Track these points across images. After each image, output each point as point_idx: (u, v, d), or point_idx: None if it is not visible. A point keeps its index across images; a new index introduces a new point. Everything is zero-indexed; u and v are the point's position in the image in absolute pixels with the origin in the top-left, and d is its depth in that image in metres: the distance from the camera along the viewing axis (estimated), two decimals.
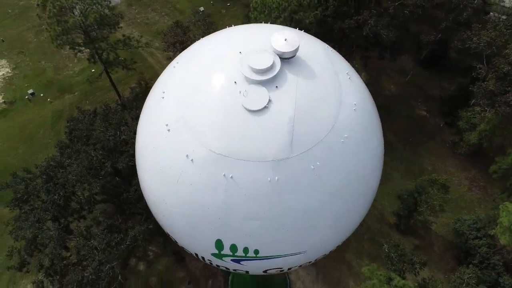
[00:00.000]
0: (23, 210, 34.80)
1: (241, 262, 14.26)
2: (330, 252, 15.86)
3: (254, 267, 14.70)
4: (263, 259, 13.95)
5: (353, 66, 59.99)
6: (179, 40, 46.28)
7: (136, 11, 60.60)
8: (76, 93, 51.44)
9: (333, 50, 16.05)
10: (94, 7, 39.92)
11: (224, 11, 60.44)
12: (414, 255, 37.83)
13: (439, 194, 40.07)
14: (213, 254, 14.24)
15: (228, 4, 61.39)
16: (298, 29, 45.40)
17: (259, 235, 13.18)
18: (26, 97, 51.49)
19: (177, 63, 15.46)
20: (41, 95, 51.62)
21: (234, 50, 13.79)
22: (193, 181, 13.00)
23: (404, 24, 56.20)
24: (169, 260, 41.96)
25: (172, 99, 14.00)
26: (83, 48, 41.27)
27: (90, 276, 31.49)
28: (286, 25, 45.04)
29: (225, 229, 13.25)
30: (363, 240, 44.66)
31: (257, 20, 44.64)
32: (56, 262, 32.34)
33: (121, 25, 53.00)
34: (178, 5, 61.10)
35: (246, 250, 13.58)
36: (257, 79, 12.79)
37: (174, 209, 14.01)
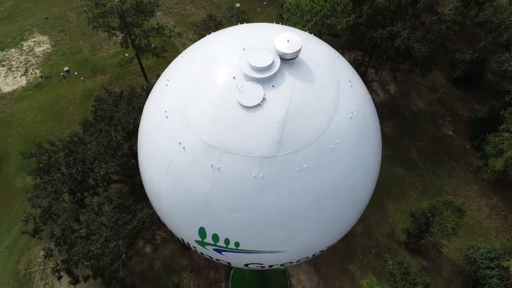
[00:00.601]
0: (43, 180, 36.60)
1: (222, 253, 14.61)
2: (315, 256, 15.89)
3: (235, 259, 15.01)
4: (243, 252, 14.23)
5: (382, 77, 59.08)
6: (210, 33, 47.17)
7: (174, 1, 62.10)
8: (107, 75, 53.38)
9: (340, 57, 16.05)
10: None
11: (260, 9, 60.89)
12: (418, 275, 36.96)
13: (453, 217, 38.91)
14: (197, 241, 14.67)
15: (265, 3, 61.80)
16: (327, 35, 44.83)
17: (240, 228, 13.47)
18: (61, 73, 53.95)
19: (186, 53, 15.99)
20: (75, 73, 53.93)
21: (239, 47, 14.12)
22: (182, 168, 13.45)
23: (439, 40, 54.84)
24: (175, 246, 42.91)
25: (174, 87, 14.52)
26: (117, 32, 42.78)
27: (96, 251, 32.76)
28: (317, 29, 44.96)
29: (208, 218, 13.63)
30: (370, 254, 44.00)
31: (289, 21, 44.77)
32: (67, 233, 33.83)
33: (158, 13, 54.67)
34: None
35: (227, 241, 13.91)
36: (254, 76, 13.05)
37: (163, 192, 14.54)
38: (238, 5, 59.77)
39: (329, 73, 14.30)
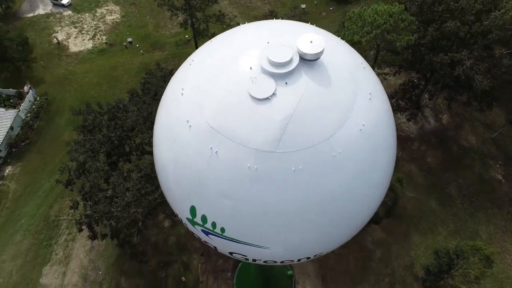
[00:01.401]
0: (84, 137, 39.11)
1: (209, 235, 14.90)
2: (300, 261, 15.71)
3: (221, 245, 15.24)
4: (228, 239, 14.42)
5: (436, 103, 56.22)
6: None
7: None
8: (165, 52, 55.66)
9: (368, 68, 15.64)
10: None
11: (324, 13, 60.30)
12: None
13: (480, 265, 36.40)
14: (188, 219, 15.08)
15: (331, 8, 61.08)
16: (385, 50, 42.96)
17: (227, 214, 13.69)
18: (124, 43, 57.04)
19: (216, 39, 16.41)
20: (137, 45, 56.78)
21: (264, 40, 14.26)
22: (185, 145, 13.88)
23: (507, 76, 51.12)
24: None
25: (197, 68, 15.00)
26: (179, 12, 44.42)
27: (116, 213, 34.54)
28: (376, 42, 43.77)
29: (200, 198, 13.97)
30: (382, 282, 42.43)
31: (348, 30, 43.96)
32: (94, 191, 35.96)
33: (224, 1, 56.00)
34: None
35: (214, 225, 14.18)
36: (270, 70, 13.14)
37: (166, 166, 15.11)
38: (303, 6, 59.62)
39: (348, 82, 14.02)
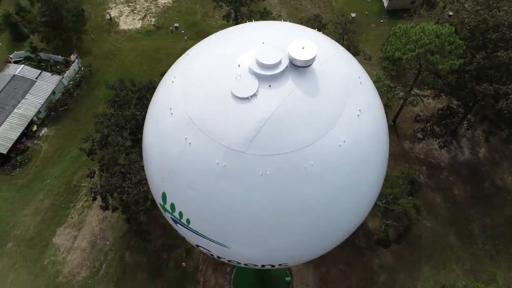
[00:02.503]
0: (112, 112, 40.74)
1: (177, 224, 15.04)
2: (264, 267, 15.43)
3: (187, 236, 15.32)
4: (193, 231, 14.48)
5: (474, 135, 52.98)
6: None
7: None
8: None
9: (366, 83, 14.97)
10: None
11: (374, 25, 58.60)
12: None
13: None
14: (160, 205, 15.31)
15: (382, 21, 59.26)
16: (426, 71, 40.79)
17: (192, 206, 13.74)
18: (171, 28, 58.63)
19: (220, 33, 16.48)
20: (182, 31, 58.16)
21: (259, 40, 14.10)
22: (164, 131, 14.08)
23: None
24: None
25: (190, 59, 15.14)
26: (224, 4, 44.93)
27: (127, 188, 35.76)
28: (417, 62, 41.98)
29: (170, 186, 14.12)
30: None
31: (391, 45, 42.46)
32: (111, 164, 37.41)
33: (274, 0, 55.90)
34: (334, 3, 61.30)
35: (180, 214, 14.28)
36: (255, 70, 12.97)
37: (148, 149, 15.42)
38: (354, 15, 58.28)
39: (338, 94, 13.52)
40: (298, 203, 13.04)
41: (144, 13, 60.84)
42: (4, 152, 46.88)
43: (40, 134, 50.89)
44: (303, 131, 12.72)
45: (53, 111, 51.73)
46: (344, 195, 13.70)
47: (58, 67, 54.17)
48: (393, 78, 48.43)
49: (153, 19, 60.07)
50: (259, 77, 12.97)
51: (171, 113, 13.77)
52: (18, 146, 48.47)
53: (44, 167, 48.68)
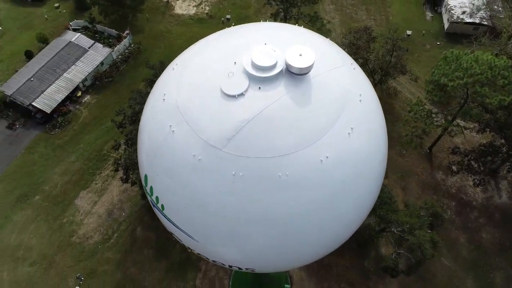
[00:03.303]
0: (147, 90, 42.08)
1: (154, 208, 15.25)
2: (231, 267, 15.26)
3: (163, 221, 15.47)
4: (166, 218, 14.61)
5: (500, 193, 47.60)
6: (357, 44, 45.62)
7: (352, 2, 61.22)
8: None
9: (366, 101, 14.22)
10: None
11: (429, 46, 55.88)
12: None
13: None
14: (144, 186, 15.59)
15: (439, 43, 56.35)
16: (472, 102, 38.57)
17: (165, 193, 13.87)
18: (222, 19, 59.41)
19: (230, 29, 16.51)
20: (232, 24, 58.68)
21: (262, 40, 13.86)
22: (155, 116, 14.30)
23: None
24: None
25: (197, 48, 15.26)
26: (273, 2, 44.75)
27: None
28: (464, 91, 39.56)
29: (151, 170, 14.34)
30: None
31: (438, 69, 40.35)
32: (136, 140, 38.62)
33: (330, 6, 54.99)
34: (391, 17, 59.14)
35: (157, 199, 14.47)
36: (248, 70, 12.79)
37: (141, 128, 15.79)
38: (409, 32, 55.93)
39: (330, 108, 12.99)
40: (267, 210, 12.75)
41: (200, 1, 62.09)
42: (48, 111, 49.93)
43: (83, 101, 53.66)
44: (284, 139, 12.39)
45: (98, 81, 54.33)
46: (319, 213, 13.20)
47: (110, 40, 56.77)
48: (436, 104, 46.00)
49: (207, 8, 61.17)
50: (251, 77, 12.78)
51: (164, 99, 13.95)
52: (61, 108, 51.42)
53: (80, 132, 51.29)
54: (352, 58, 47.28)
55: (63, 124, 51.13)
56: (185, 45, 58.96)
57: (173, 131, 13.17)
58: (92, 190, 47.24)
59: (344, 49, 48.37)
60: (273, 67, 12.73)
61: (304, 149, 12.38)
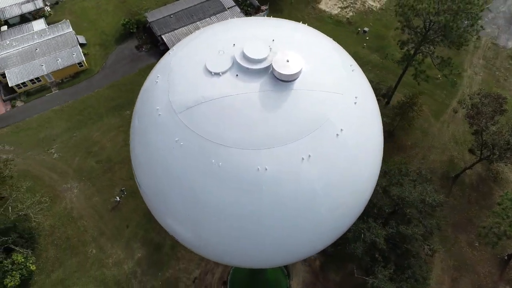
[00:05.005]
0: None
1: (139, 186, 15.84)
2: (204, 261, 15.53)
3: (144, 198, 16.01)
4: (145, 194, 15.33)
5: None
6: (479, 109, 39.95)
7: (508, 66, 53.12)
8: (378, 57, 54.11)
9: (362, 104, 13.06)
10: None
11: None
12: None
13: None
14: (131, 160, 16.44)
15: None
16: None
17: (141, 169, 14.71)
18: (359, 29, 57.64)
19: (232, 20, 17.04)
20: (367, 38, 56.69)
21: (264, 35, 13.67)
22: (149, 95, 14.98)
23: None
24: None
25: (198, 33, 15.91)
26: (407, 30, 41.71)
27: None
28: None
29: (136, 147, 15.09)
30: None
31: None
32: None
33: (479, 60, 49.18)
34: None
35: (136, 176, 15.44)
36: (235, 56, 12.80)
37: (137, 105, 16.28)
38: None
39: (311, 106, 12.32)
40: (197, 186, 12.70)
41: (347, 5, 60.92)
42: (169, 47, 54.99)
43: None
44: (226, 131, 12.23)
45: None
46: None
47: (249, 8, 59.76)
48: None
49: (350, 13, 59.79)
50: (235, 63, 12.71)
51: (156, 82, 14.51)
52: None
53: None
54: (467, 121, 41.55)
55: None
56: None
57: (156, 82, 13.93)
58: None
59: (461, 107, 42.77)
60: (258, 62, 12.45)
61: (242, 150, 11.96)
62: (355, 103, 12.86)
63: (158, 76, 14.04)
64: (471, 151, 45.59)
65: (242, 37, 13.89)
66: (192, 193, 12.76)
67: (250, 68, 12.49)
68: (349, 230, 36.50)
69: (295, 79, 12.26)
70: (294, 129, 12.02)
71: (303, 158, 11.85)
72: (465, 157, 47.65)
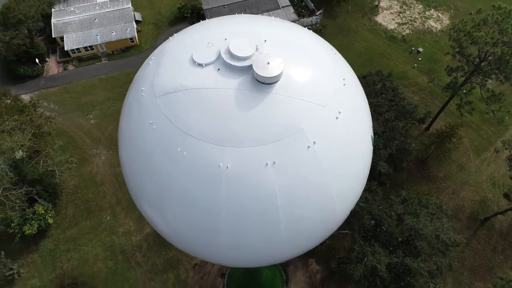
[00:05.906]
0: None
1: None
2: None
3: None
4: (125, 173, 15.73)
5: None
6: None
7: None
8: (425, 81, 51.55)
9: (345, 120, 12.60)
10: None
11: None
12: None
13: None
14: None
15: None
16: None
17: (122, 147, 15.17)
18: (413, 48, 55.13)
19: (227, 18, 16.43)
20: (419, 59, 54.07)
21: (262, 34, 13.43)
22: (139, 75, 15.32)
23: None
24: None
25: (194, 26, 15.92)
26: (458, 56, 39.45)
27: None
28: None
29: (120, 118, 15.66)
30: None
31: None
32: None
33: None
34: None
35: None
36: (220, 51, 12.80)
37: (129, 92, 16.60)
38: None
39: (284, 120, 12.07)
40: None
41: (406, 21, 58.46)
42: None
43: None
44: (193, 122, 12.26)
45: None
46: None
47: (303, 10, 59.17)
48: None
49: (407, 31, 57.32)
50: (219, 58, 12.67)
51: (149, 63, 14.82)
52: None
53: None
54: (507, 164, 38.58)
55: None
56: (362, 51, 58.26)
57: (149, 63, 14.27)
58: None
59: (505, 148, 39.71)
60: (241, 59, 12.36)
61: (208, 144, 11.94)
62: (336, 118, 12.38)
63: (152, 58, 14.36)
64: (506, 196, 42.32)
65: (237, 32, 13.83)
66: (159, 177, 12.95)
67: (232, 65, 12.42)
68: (353, 250, 35.56)
69: (274, 82, 12.02)
70: (263, 133, 11.81)
71: (267, 163, 11.64)
72: (500, 201, 44.32)
